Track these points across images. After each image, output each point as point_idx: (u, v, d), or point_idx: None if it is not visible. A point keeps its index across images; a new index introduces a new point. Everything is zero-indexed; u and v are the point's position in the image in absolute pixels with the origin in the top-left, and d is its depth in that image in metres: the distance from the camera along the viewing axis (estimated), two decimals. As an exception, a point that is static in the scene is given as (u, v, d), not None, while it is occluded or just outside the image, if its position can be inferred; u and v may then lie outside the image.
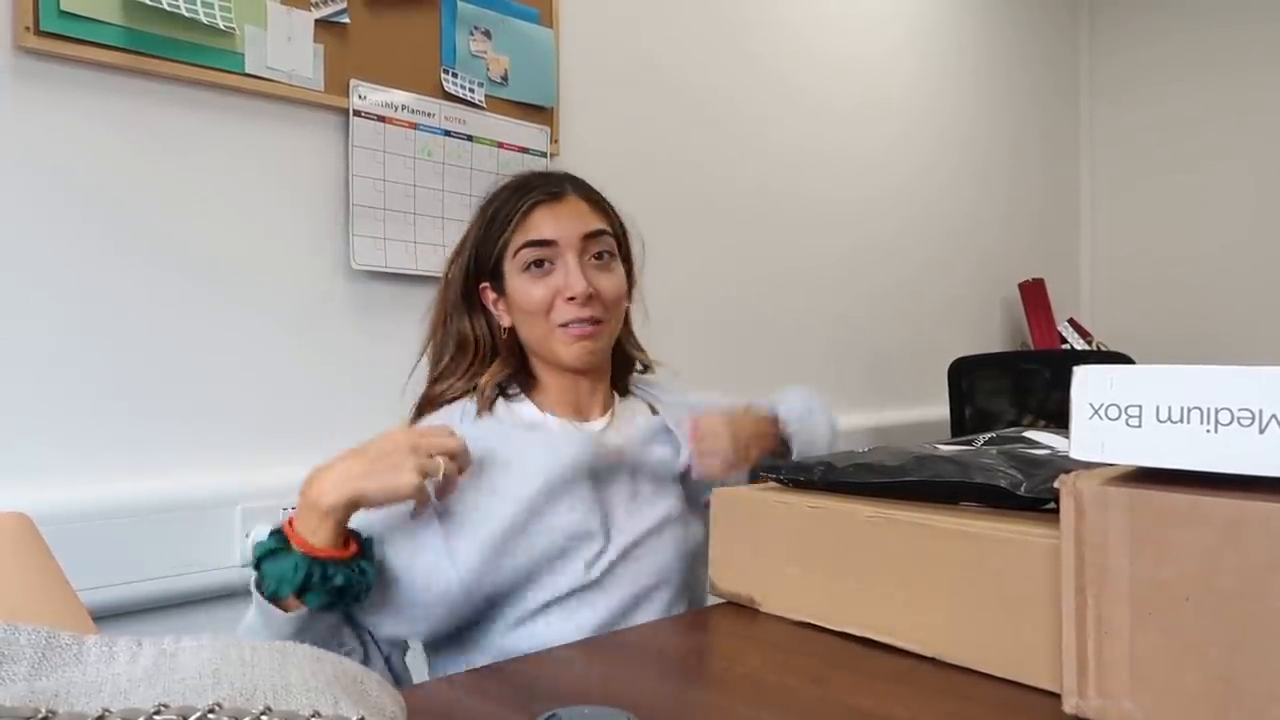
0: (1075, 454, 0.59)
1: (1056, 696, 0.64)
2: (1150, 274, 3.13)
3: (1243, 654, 0.53)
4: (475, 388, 1.06)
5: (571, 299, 1.02)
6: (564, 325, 1.03)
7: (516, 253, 1.04)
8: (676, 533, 1.05)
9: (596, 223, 1.07)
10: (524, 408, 1.07)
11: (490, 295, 1.08)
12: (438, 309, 1.11)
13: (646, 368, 1.19)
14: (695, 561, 1.07)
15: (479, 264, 1.07)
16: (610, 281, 1.06)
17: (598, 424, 1.09)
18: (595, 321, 1.04)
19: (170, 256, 1.26)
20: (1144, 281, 3.15)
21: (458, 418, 1.04)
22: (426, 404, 1.10)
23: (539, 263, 1.03)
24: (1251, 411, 0.52)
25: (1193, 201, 3.04)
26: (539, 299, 1.03)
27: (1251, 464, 0.52)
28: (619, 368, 1.15)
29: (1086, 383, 0.59)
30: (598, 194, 1.11)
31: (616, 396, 1.14)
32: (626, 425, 1.10)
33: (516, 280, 1.05)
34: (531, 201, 1.05)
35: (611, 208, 1.11)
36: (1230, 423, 0.53)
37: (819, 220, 2.29)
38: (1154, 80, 3.13)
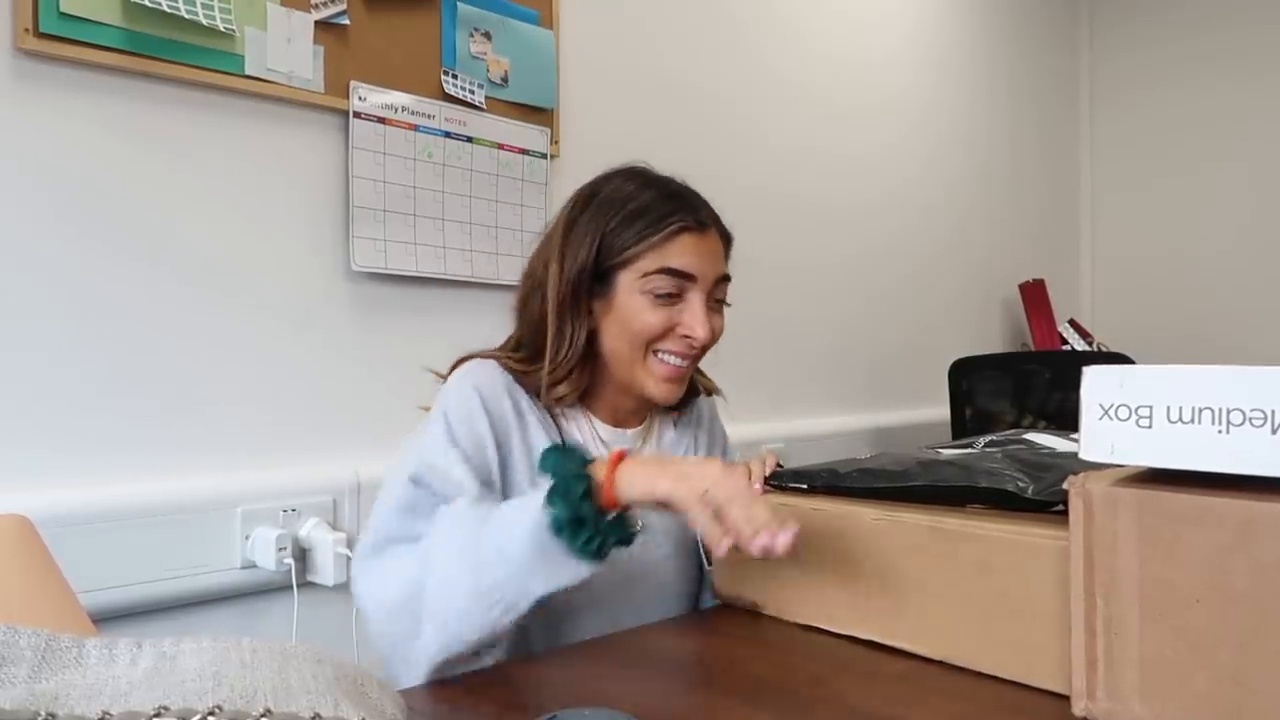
0: (1085, 455, 0.59)
1: (1064, 699, 0.64)
2: (1150, 274, 3.13)
3: (1254, 655, 0.53)
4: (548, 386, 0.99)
5: (687, 338, 0.98)
6: (661, 354, 0.99)
7: (648, 274, 0.96)
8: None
9: (725, 266, 1.03)
10: (576, 416, 1.04)
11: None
12: (548, 300, 0.99)
13: (711, 393, 1.16)
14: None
15: (597, 263, 0.98)
16: (719, 326, 1.02)
17: (629, 434, 1.08)
18: (691, 360, 1.01)
19: (170, 258, 1.26)
20: (1144, 282, 3.15)
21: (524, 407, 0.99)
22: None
23: (670, 292, 0.97)
24: (1264, 412, 0.52)
25: (1193, 202, 3.03)
26: (655, 327, 0.97)
27: (1263, 465, 0.52)
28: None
29: (1096, 383, 0.58)
30: (729, 231, 1.06)
31: (654, 410, 1.12)
32: (662, 441, 1.10)
33: (632, 296, 0.97)
34: (680, 224, 0.97)
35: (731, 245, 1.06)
36: (1242, 423, 0.52)
37: (819, 220, 2.28)
38: (1154, 81, 3.13)
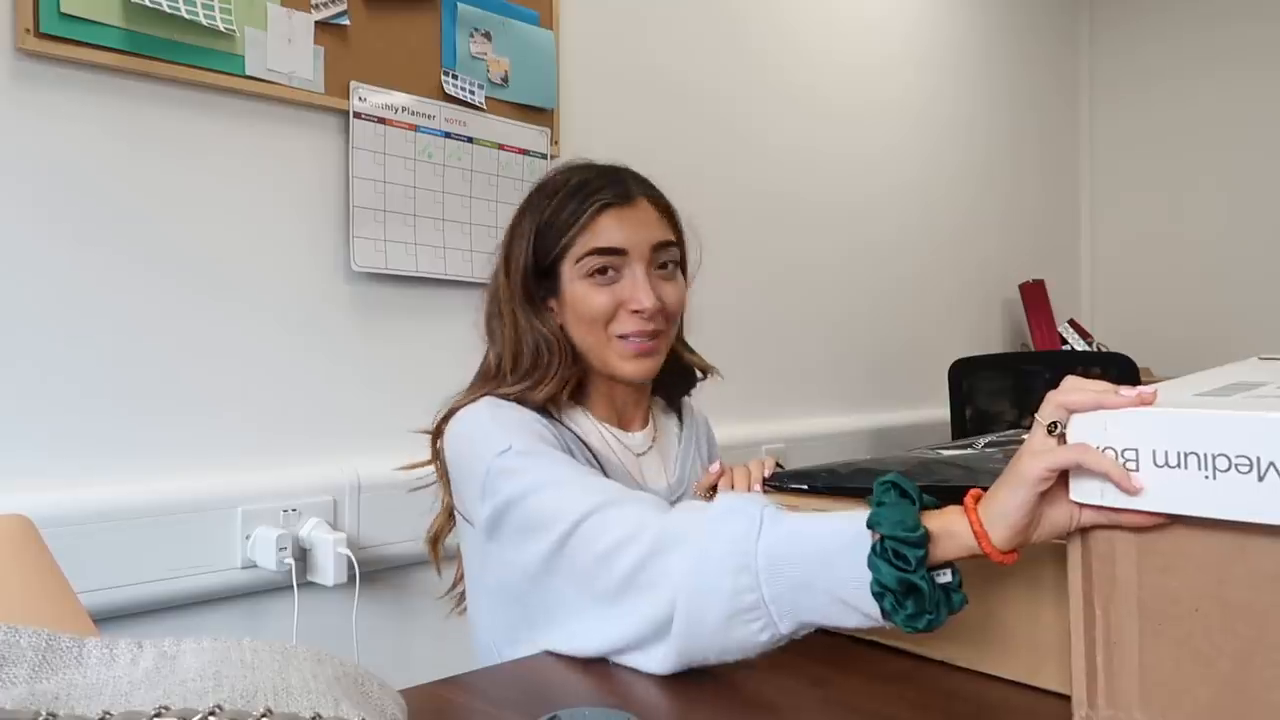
0: (1075, 497, 0.58)
1: (1065, 699, 0.64)
2: (1150, 274, 3.13)
3: (1254, 664, 0.53)
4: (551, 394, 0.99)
5: (637, 312, 0.97)
6: (623, 337, 0.98)
7: (580, 259, 0.97)
8: None
9: (665, 232, 1.01)
10: (578, 417, 1.03)
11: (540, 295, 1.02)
12: (505, 312, 1.01)
13: (706, 373, 1.14)
14: None
15: (536, 261, 0.99)
16: (674, 293, 1.01)
17: (638, 436, 1.07)
18: (655, 335, 1.00)
19: (170, 258, 1.26)
20: (1144, 282, 3.15)
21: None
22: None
23: (604, 270, 0.97)
24: (1249, 459, 0.51)
25: (1193, 202, 3.04)
26: (601, 308, 0.97)
27: (1251, 511, 0.51)
28: (674, 378, 1.11)
29: (1082, 427, 0.57)
30: (665, 199, 1.04)
31: (655, 409, 1.12)
32: (666, 445, 1.09)
33: (574, 284, 0.98)
34: (599, 204, 0.98)
35: (676, 213, 1.05)
36: (1228, 469, 0.51)
37: (819, 221, 2.28)
38: (1154, 81, 3.13)
